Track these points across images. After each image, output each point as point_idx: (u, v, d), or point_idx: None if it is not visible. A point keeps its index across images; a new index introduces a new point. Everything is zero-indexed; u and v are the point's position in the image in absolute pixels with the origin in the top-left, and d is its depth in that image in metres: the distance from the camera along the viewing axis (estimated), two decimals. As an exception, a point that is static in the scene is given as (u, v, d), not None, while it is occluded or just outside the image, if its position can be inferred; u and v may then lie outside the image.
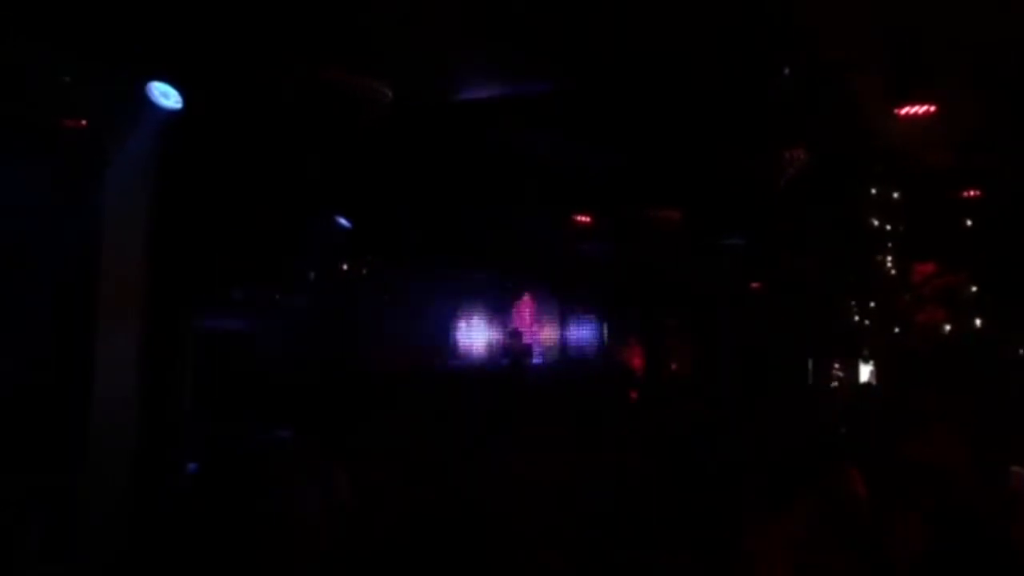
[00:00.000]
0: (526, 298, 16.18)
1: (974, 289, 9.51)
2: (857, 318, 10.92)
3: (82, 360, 5.55)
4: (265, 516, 5.37)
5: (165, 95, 5.43)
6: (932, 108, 6.99)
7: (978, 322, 9.36)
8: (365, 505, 6.39)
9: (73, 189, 5.57)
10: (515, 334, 15.52)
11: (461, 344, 15.85)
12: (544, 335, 16.15)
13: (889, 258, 10.16)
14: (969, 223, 9.39)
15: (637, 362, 14.94)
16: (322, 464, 5.65)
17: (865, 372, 11.44)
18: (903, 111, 7.01)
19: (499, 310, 16.22)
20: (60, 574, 5.16)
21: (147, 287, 5.82)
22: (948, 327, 9.60)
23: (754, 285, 13.13)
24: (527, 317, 16.27)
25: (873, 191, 9.99)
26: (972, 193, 9.38)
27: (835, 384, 12.06)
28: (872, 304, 10.67)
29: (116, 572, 5.19)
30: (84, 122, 5.50)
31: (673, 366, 14.95)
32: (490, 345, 16.09)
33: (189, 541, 5.04)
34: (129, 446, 5.59)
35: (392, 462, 7.17)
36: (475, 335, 16.14)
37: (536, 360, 15.37)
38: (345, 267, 13.99)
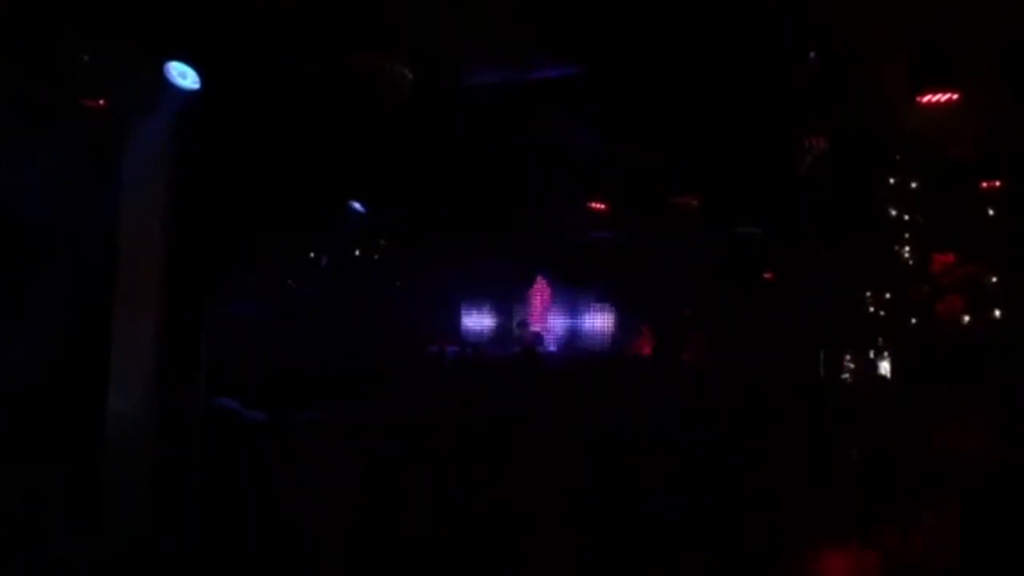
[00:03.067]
0: (539, 286, 16.14)
1: (994, 280, 9.41)
2: (872, 309, 10.84)
3: (100, 344, 5.55)
4: (279, 500, 5.37)
5: (183, 75, 5.40)
6: (954, 96, 6.92)
7: (998, 313, 9.28)
8: (374, 493, 6.41)
9: (91, 169, 5.56)
10: (524, 323, 15.49)
11: (473, 331, 15.86)
12: (557, 323, 16.11)
13: (907, 248, 10.08)
14: (991, 212, 9.30)
15: (650, 351, 14.89)
16: (333, 450, 5.66)
17: (879, 364, 11.36)
18: (925, 99, 6.94)
19: (512, 298, 16.19)
20: (80, 556, 5.17)
21: (164, 270, 5.82)
22: (967, 318, 9.51)
23: (767, 275, 13.06)
24: (540, 305, 16.24)
25: (892, 180, 9.91)
26: (994, 183, 9.29)
27: (846, 376, 11.98)
28: (888, 295, 10.59)
29: (136, 554, 5.19)
30: (102, 102, 5.48)
31: (687, 356, 14.88)
32: (501, 333, 16.08)
33: (208, 523, 5.04)
34: (148, 430, 5.60)
35: (401, 450, 7.17)
36: (487, 323, 16.14)
37: (548, 349, 15.34)
38: (358, 252, 13.99)
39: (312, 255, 11.73)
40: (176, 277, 5.85)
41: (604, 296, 15.35)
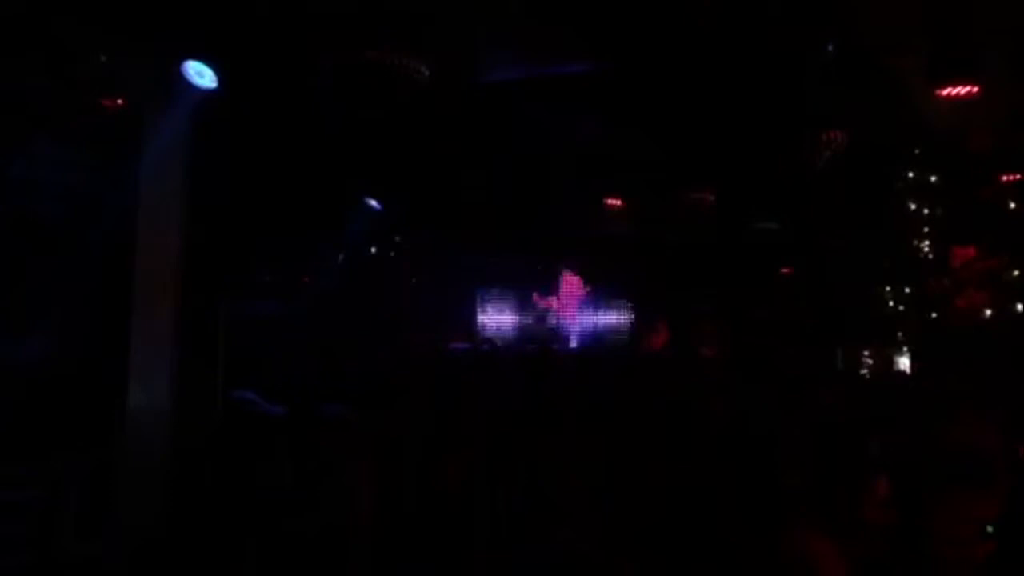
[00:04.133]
0: (559, 281, 16.11)
1: (1016, 273, 9.32)
2: (891, 304, 10.76)
3: (117, 339, 5.59)
4: (297, 494, 5.39)
5: (200, 74, 5.42)
6: (974, 89, 6.83)
7: (1020, 307, 9.19)
8: (392, 489, 6.42)
9: (111, 167, 5.61)
10: (541, 318, 15.41)
11: (489, 328, 15.85)
12: (575, 319, 16.07)
13: (927, 242, 10.00)
14: (1012, 205, 9.21)
15: (666, 348, 14.80)
16: (350, 445, 5.67)
17: (898, 360, 11.28)
18: (944, 92, 6.86)
19: (529, 293, 16.16)
20: (96, 552, 5.21)
21: (182, 266, 5.85)
22: (988, 311, 9.42)
23: (785, 271, 12.98)
24: (558, 301, 16.20)
25: (911, 174, 9.83)
26: (1014, 176, 9.20)
27: (864, 372, 11.90)
28: (907, 290, 10.51)
29: (153, 550, 5.23)
30: (120, 101, 5.52)
31: (704, 352, 14.80)
32: (517, 329, 16.06)
33: (226, 518, 5.07)
34: (165, 424, 5.63)
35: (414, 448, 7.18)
36: (503, 319, 16.12)
37: (568, 345, 15.29)
38: (374, 250, 14.03)
39: (328, 252, 11.76)
40: (194, 273, 5.88)
41: (623, 291, 15.29)
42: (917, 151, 9.61)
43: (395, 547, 5.39)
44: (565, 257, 15.02)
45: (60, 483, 5.26)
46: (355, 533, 5.21)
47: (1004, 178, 9.32)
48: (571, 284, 16.01)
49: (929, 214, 9.96)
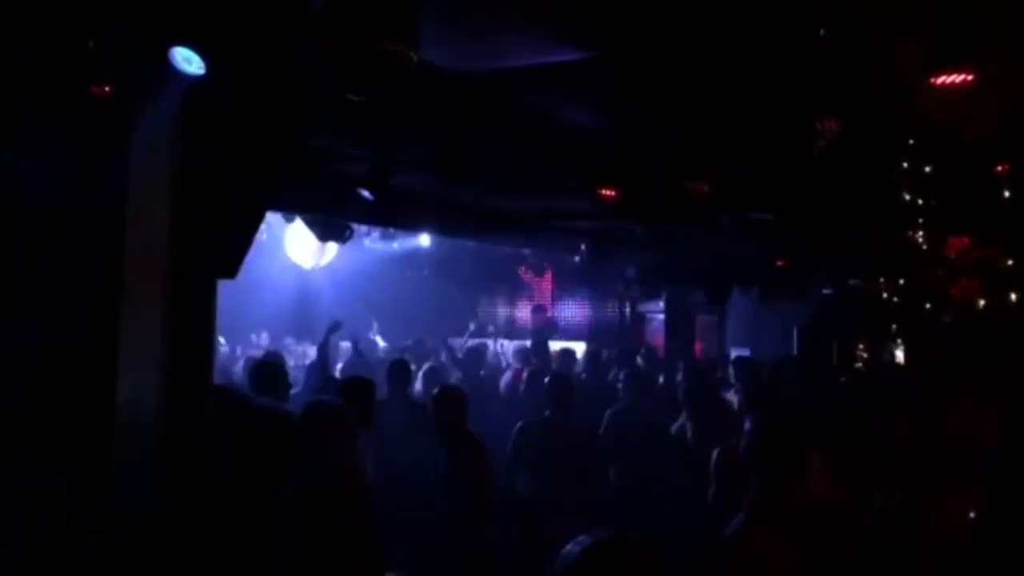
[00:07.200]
0: (549, 275, 16.07)
1: (1010, 262, 9.31)
2: (886, 295, 10.75)
3: (107, 331, 5.55)
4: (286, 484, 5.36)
5: (188, 60, 5.33)
6: (969, 77, 6.79)
7: (1013, 296, 9.17)
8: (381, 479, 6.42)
9: (99, 156, 5.54)
10: (538, 309, 15.35)
11: (483, 320, 15.83)
12: (568, 313, 16.04)
13: (921, 233, 9.98)
14: (1007, 195, 9.19)
15: (661, 343, 14.82)
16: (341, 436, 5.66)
17: (892, 352, 11.27)
18: (940, 80, 6.81)
19: (522, 287, 16.13)
20: (92, 545, 5.17)
21: (172, 256, 5.79)
22: (982, 301, 9.41)
23: (780, 262, 12.96)
24: (550, 295, 16.18)
25: (905, 164, 9.81)
26: (1009, 166, 9.18)
27: (859, 365, 11.91)
28: (901, 281, 10.50)
29: (149, 542, 5.19)
30: (108, 88, 5.45)
31: (699, 346, 14.84)
32: (513, 321, 16.05)
33: (215, 509, 5.04)
34: (157, 417, 5.58)
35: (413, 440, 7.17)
36: (498, 311, 16.09)
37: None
38: (367, 242, 14.00)
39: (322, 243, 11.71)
40: (184, 262, 5.82)
41: (617, 285, 15.26)
42: (912, 141, 9.58)
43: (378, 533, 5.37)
44: (560, 251, 14.89)
45: (51, 475, 5.22)
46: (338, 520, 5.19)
47: (999, 167, 9.30)
48: (559, 280, 15.94)
49: (924, 204, 9.94)
